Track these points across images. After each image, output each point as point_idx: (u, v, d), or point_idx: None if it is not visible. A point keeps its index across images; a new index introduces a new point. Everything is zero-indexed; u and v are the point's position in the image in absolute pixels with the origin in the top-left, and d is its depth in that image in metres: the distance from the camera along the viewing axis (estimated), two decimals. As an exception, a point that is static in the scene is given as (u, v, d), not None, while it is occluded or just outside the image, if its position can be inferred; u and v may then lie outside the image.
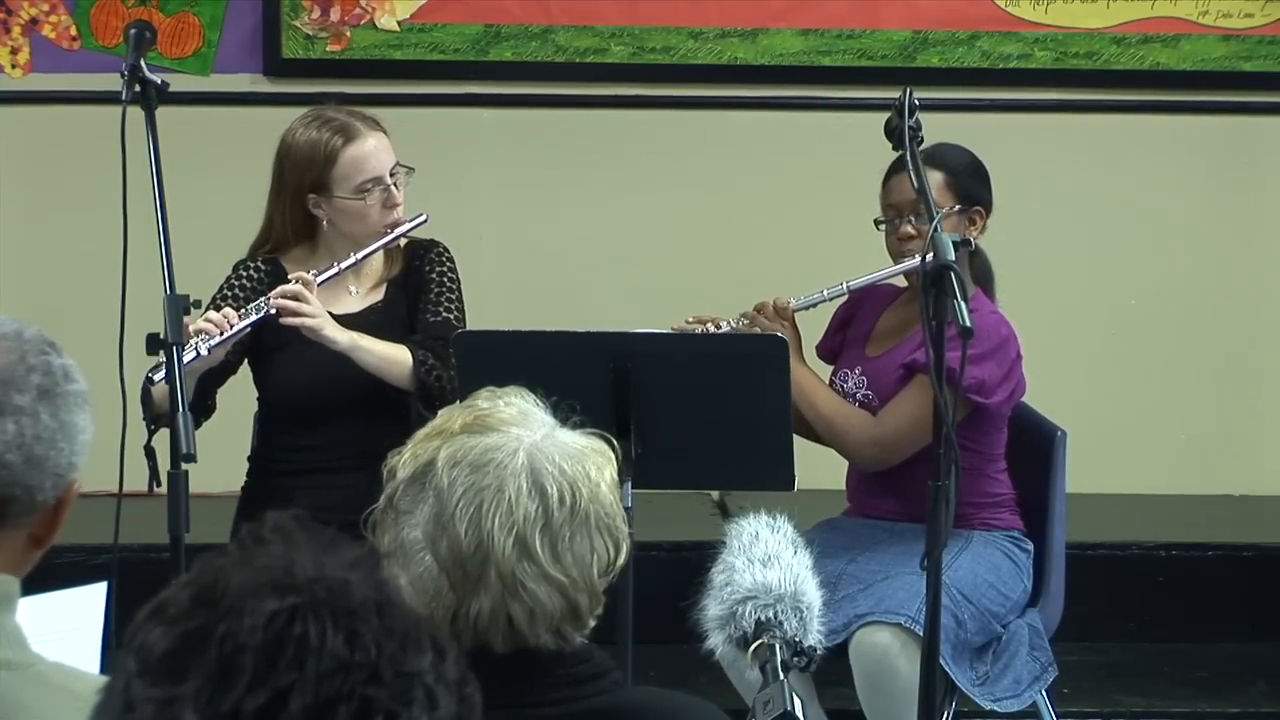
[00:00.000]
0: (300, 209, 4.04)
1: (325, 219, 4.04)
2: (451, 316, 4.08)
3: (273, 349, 4.06)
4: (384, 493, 2.05)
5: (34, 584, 2.17)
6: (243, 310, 3.88)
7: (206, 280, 4.02)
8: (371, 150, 4.00)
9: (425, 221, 4.05)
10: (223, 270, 4.13)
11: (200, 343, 3.73)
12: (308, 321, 3.86)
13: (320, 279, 3.93)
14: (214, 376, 3.98)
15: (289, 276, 3.97)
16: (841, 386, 4.20)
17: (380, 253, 4.10)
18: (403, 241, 4.13)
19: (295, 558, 1.32)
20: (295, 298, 3.87)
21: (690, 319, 4.03)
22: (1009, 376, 4.06)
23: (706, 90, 5.90)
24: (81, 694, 1.88)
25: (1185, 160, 5.98)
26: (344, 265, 3.98)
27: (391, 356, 3.97)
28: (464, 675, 1.35)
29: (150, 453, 3.61)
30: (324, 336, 3.89)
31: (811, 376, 4.18)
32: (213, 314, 3.81)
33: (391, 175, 4.02)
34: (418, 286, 4.12)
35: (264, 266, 4.09)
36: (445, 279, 4.12)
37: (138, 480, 3.53)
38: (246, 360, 4.10)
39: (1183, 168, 5.98)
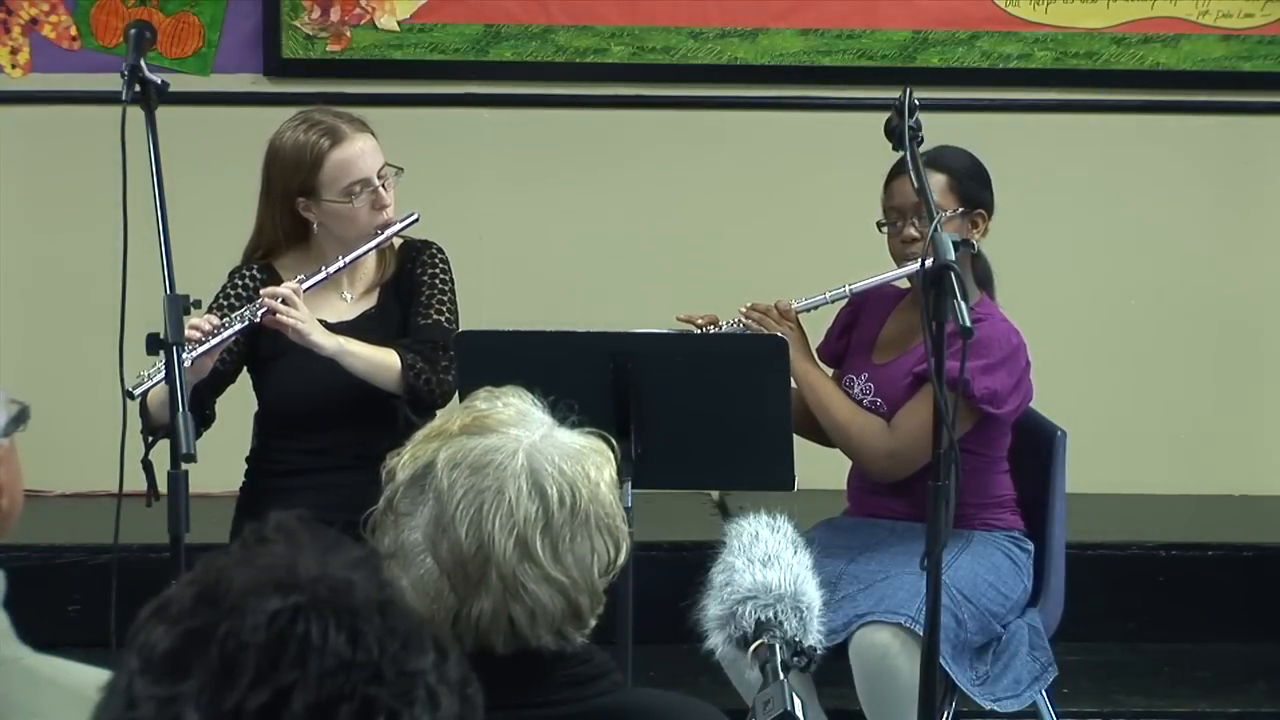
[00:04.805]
0: (290, 213, 4.04)
1: (316, 222, 4.03)
2: (443, 319, 4.07)
3: (269, 357, 4.06)
4: (383, 495, 2.05)
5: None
6: (227, 320, 3.87)
7: (206, 280, 4.02)
8: (358, 152, 4.00)
9: (416, 221, 4.04)
10: (223, 269, 4.14)
11: (185, 350, 3.70)
12: (296, 325, 3.86)
13: (306, 285, 3.93)
14: (211, 386, 3.97)
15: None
16: (847, 393, 4.19)
17: (373, 257, 4.10)
18: (396, 243, 4.12)
19: (298, 557, 1.32)
20: (284, 301, 3.86)
21: (681, 317, 4.03)
22: (1019, 386, 4.07)
23: (706, 90, 5.90)
24: (69, 687, 1.88)
25: (1185, 160, 5.98)
26: (331, 269, 3.97)
27: (379, 360, 3.96)
28: (466, 676, 1.35)
29: (148, 466, 3.60)
30: (311, 341, 3.88)
31: (827, 381, 4.17)
32: (198, 320, 3.79)
33: (380, 176, 4.01)
34: (410, 289, 4.11)
35: (259, 275, 4.08)
36: (437, 281, 4.11)
37: (138, 480, 3.53)
38: (245, 367, 4.10)
39: (1183, 167, 5.99)
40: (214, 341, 3.80)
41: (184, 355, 3.64)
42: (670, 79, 5.87)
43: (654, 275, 5.84)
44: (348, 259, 3.98)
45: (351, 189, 3.98)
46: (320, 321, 3.95)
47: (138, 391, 3.70)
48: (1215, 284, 6.01)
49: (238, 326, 3.85)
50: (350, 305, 4.11)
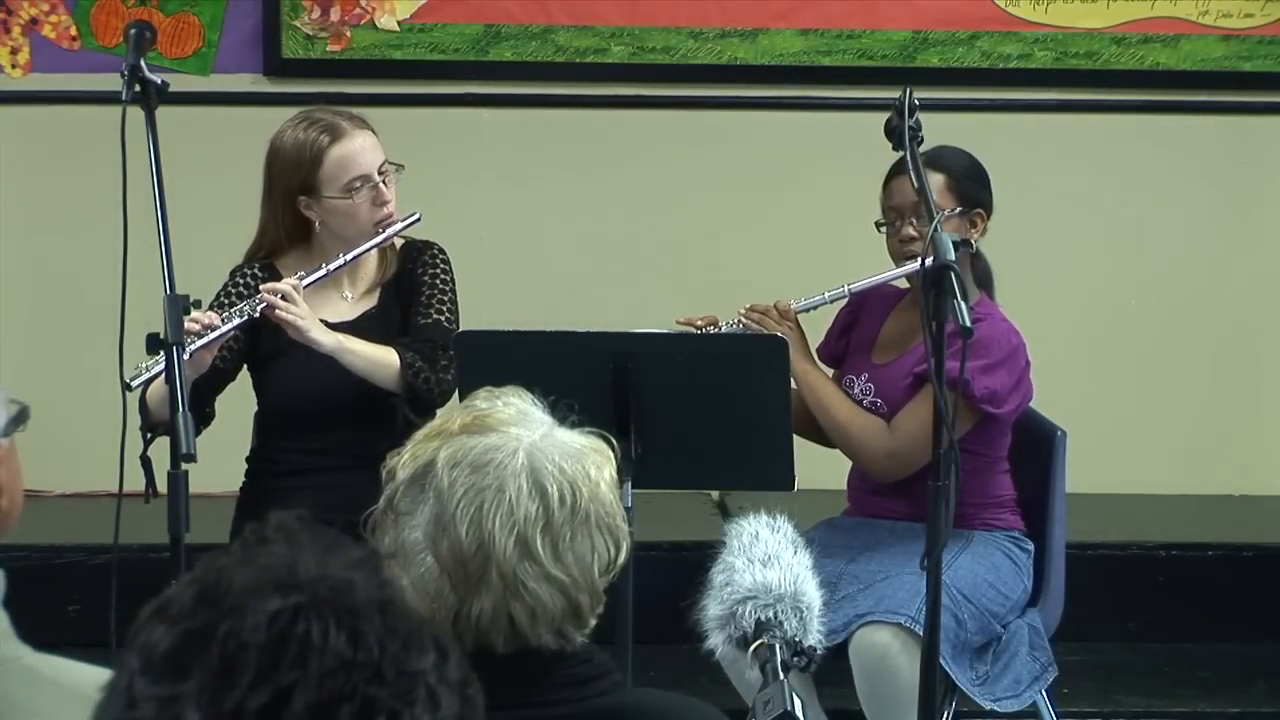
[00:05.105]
0: (292, 212, 4.04)
1: (317, 220, 4.03)
2: (443, 319, 4.07)
3: (269, 356, 4.06)
4: (384, 494, 2.05)
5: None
6: (226, 314, 3.87)
7: (206, 280, 4.02)
8: (358, 148, 4.00)
9: (418, 220, 4.03)
10: (223, 269, 4.14)
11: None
12: (295, 321, 3.86)
13: (307, 282, 3.92)
14: (210, 384, 3.97)
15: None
16: (847, 393, 4.19)
17: (374, 257, 4.09)
18: (398, 243, 4.12)
19: (298, 557, 1.32)
20: (284, 297, 3.86)
21: (681, 320, 4.03)
22: (1019, 385, 4.07)
23: (706, 90, 5.90)
24: (70, 686, 1.88)
25: (1185, 160, 5.98)
26: (332, 267, 3.96)
27: (378, 359, 3.96)
28: (466, 675, 1.35)
29: (146, 463, 3.60)
30: (310, 338, 3.88)
31: (827, 382, 4.17)
32: (197, 314, 3.79)
33: (380, 173, 4.01)
34: (411, 288, 4.11)
35: (260, 273, 4.08)
36: (438, 281, 4.11)
37: (137, 480, 3.53)
38: (245, 366, 4.10)
39: (1183, 167, 5.99)
40: (213, 336, 3.80)
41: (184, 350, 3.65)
42: (670, 79, 5.87)
43: (654, 275, 5.84)
44: (349, 256, 3.98)
45: (352, 185, 3.98)
46: (321, 321, 3.95)
47: (135, 383, 3.69)
48: (1215, 284, 6.01)
49: (237, 321, 3.85)
50: (351, 305, 4.11)
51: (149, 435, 3.71)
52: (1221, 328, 6.02)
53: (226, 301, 4.02)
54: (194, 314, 3.74)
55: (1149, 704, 4.94)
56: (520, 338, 3.80)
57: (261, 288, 3.91)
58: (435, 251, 4.14)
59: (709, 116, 5.94)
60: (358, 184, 3.98)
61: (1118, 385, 6.00)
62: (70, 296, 5.73)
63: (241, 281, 4.08)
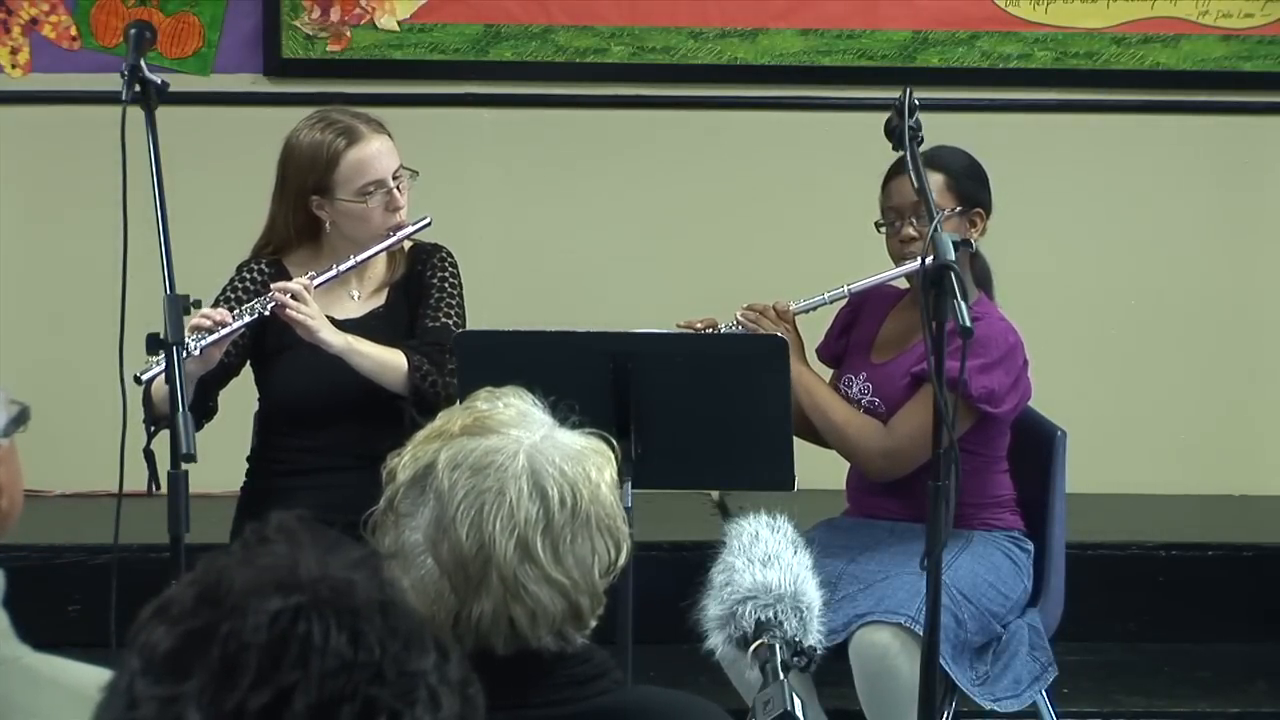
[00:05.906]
0: (303, 211, 4.03)
1: (328, 221, 4.03)
2: (451, 322, 4.07)
3: (275, 351, 4.05)
4: (384, 495, 2.05)
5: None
6: (237, 311, 3.87)
7: (207, 280, 4.02)
8: (374, 153, 4.00)
9: (429, 224, 4.04)
10: (223, 270, 4.13)
11: (193, 340, 3.71)
12: (305, 321, 3.86)
13: (317, 282, 3.92)
14: (215, 379, 3.97)
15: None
16: (846, 392, 4.19)
17: (383, 256, 4.09)
18: (407, 245, 4.12)
19: (299, 557, 1.32)
20: (294, 296, 3.87)
21: (681, 323, 4.03)
22: (1017, 384, 4.07)
23: (706, 90, 5.90)
24: (70, 687, 1.88)
25: (1185, 160, 5.98)
26: (343, 267, 3.97)
27: (386, 361, 3.96)
28: (467, 676, 1.35)
29: (149, 456, 3.61)
30: (319, 338, 3.88)
31: (822, 384, 4.17)
32: (208, 310, 3.79)
33: (395, 178, 4.01)
34: (419, 291, 4.11)
35: (267, 269, 4.09)
36: (447, 284, 4.11)
37: (138, 480, 3.53)
38: (249, 362, 4.10)
39: (1183, 168, 5.99)
40: (223, 332, 3.80)
41: (194, 345, 3.67)
42: (670, 79, 5.87)
43: (654, 275, 5.84)
44: (359, 258, 3.98)
45: (366, 189, 3.98)
46: (328, 318, 3.95)
47: (145, 377, 3.70)
48: (1215, 283, 6.01)
49: (247, 319, 3.85)
50: (358, 303, 4.12)
51: (152, 428, 3.72)
52: (1221, 327, 6.02)
53: (234, 296, 4.03)
54: (205, 310, 3.77)
55: (1149, 704, 4.94)
56: (520, 338, 3.80)
57: (273, 286, 3.91)
58: (444, 255, 4.15)
59: (709, 116, 5.94)
60: (372, 189, 3.98)
61: (1118, 385, 6.00)
62: (70, 296, 5.73)
63: (249, 277, 4.08)
